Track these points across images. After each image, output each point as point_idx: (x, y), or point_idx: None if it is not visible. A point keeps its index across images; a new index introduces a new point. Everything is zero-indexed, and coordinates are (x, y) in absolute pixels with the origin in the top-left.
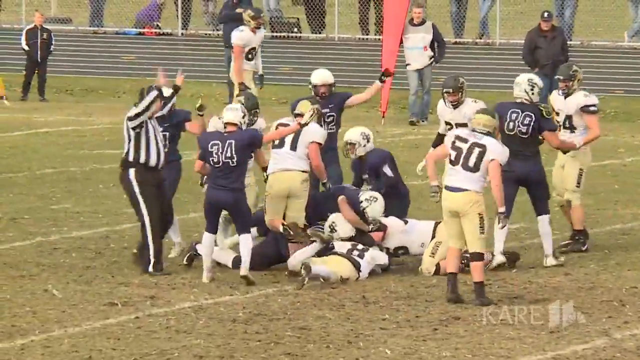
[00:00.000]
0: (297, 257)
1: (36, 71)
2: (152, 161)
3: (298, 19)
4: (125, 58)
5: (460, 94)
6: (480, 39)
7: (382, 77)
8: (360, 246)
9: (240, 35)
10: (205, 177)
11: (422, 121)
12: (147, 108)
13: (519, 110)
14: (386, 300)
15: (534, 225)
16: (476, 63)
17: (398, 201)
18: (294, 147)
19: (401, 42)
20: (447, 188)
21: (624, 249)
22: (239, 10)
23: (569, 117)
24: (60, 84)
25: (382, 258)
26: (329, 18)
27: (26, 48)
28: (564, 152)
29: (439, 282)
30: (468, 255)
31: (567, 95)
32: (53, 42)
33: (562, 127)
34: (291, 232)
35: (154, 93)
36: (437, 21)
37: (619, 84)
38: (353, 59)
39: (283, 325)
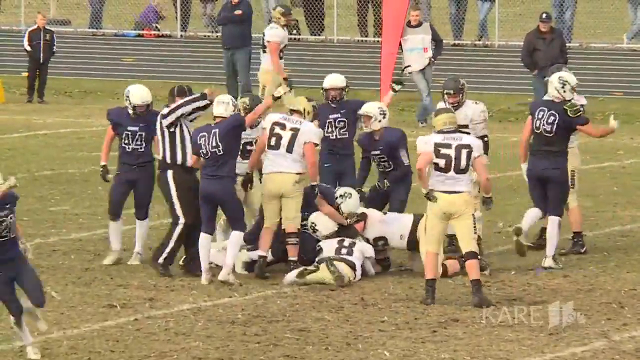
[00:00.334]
0: (292, 276)
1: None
2: (189, 162)
3: (297, 20)
4: (124, 60)
5: (460, 95)
6: (479, 40)
7: (395, 86)
8: (347, 242)
9: (276, 32)
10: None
11: (422, 123)
12: (189, 105)
13: (546, 109)
14: (385, 302)
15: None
16: (475, 65)
17: (404, 185)
18: (290, 149)
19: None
20: (442, 191)
21: (623, 251)
22: (237, 12)
23: None
24: (59, 86)
25: (369, 250)
26: (328, 20)
27: (28, 49)
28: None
29: (438, 284)
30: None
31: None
32: (55, 44)
33: None
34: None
35: (205, 102)
36: (436, 23)
37: (618, 86)
38: (352, 61)
39: (282, 327)
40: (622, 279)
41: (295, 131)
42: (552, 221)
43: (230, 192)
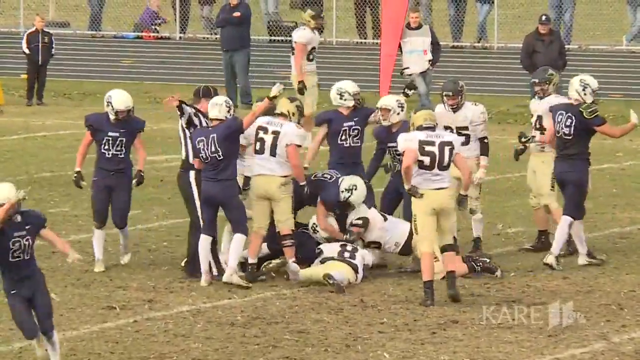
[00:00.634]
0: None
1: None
2: (197, 164)
3: (296, 22)
4: (123, 62)
5: (460, 97)
6: (479, 42)
7: (406, 91)
8: (349, 246)
9: (303, 34)
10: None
11: None
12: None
13: (564, 112)
14: (384, 304)
15: (532, 228)
16: (474, 67)
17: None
18: (273, 152)
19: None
20: (430, 189)
21: (622, 252)
22: (235, 14)
23: (539, 118)
24: (58, 88)
25: (369, 257)
26: (327, 22)
27: (27, 52)
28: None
29: (437, 286)
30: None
31: (542, 98)
32: (54, 46)
33: (534, 128)
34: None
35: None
36: (435, 25)
37: (617, 88)
38: (351, 63)
39: (281, 328)
40: (621, 280)
41: (277, 134)
42: (563, 220)
43: (232, 195)
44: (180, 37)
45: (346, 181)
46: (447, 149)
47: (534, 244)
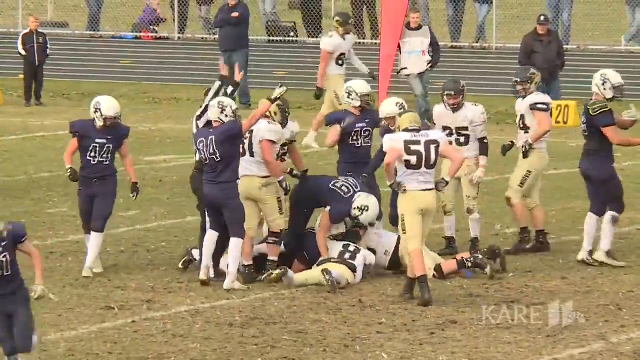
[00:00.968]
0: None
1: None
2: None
3: (294, 23)
4: (122, 62)
5: (461, 96)
6: (477, 43)
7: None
8: (352, 247)
9: (330, 42)
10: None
11: None
12: (208, 97)
13: (584, 107)
14: (383, 304)
15: (530, 229)
16: (473, 67)
17: None
18: (251, 152)
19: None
20: (418, 190)
21: (621, 253)
22: (233, 14)
23: (522, 117)
24: (57, 88)
25: (371, 257)
26: (326, 22)
27: (23, 53)
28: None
29: (435, 286)
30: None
31: (524, 97)
32: (48, 46)
33: (518, 127)
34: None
35: (218, 83)
36: (434, 25)
37: None
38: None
39: (280, 329)
40: (620, 281)
41: (251, 133)
42: (589, 216)
43: (231, 198)
44: (178, 38)
45: (361, 199)
46: (432, 147)
47: (532, 244)
